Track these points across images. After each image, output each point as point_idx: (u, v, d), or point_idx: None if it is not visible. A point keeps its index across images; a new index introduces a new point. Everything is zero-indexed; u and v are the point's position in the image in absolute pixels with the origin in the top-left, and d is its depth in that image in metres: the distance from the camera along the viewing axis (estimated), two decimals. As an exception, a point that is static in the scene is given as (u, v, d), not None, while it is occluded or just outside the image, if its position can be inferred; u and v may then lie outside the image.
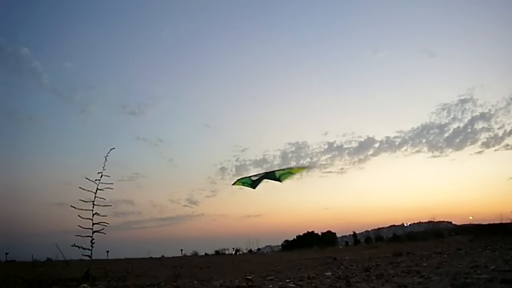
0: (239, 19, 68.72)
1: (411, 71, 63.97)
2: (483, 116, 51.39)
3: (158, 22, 65.49)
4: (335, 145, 58.31)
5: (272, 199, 62.16)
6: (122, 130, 65.50)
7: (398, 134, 58.79)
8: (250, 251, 39.36)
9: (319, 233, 44.34)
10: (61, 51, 65.79)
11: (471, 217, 35.70)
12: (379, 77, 67.43)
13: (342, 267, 6.68)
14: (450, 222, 45.40)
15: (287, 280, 4.84)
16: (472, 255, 7.18)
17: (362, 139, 57.82)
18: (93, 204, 6.31)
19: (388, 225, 58.05)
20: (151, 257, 30.27)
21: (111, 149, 6.72)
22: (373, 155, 57.72)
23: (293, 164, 59.57)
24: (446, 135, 53.46)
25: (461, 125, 52.84)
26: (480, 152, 51.15)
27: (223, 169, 59.67)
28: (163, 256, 33.53)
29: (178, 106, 66.46)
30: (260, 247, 46.62)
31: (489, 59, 62.00)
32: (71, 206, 6.22)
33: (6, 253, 27.65)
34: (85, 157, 49.13)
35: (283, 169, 10.14)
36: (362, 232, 52.33)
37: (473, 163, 53.62)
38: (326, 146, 60.64)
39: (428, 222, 38.07)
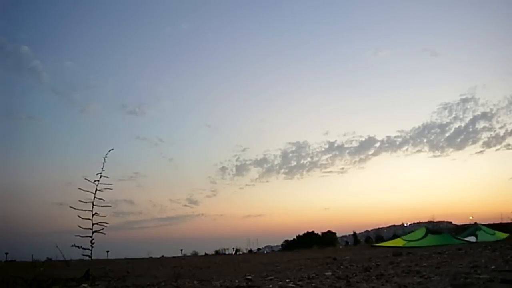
0: (240, 19, 68.93)
1: (413, 70, 64.27)
2: (485, 116, 51.56)
3: (159, 21, 65.82)
4: (335, 145, 58.51)
5: (272, 199, 62.40)
6: (122, 130, 65.80)
7: (399, 134, 58.99)
8: (250, 251, 39.38)
9: (319, 233, 44.40)
10: (61, 50, 66.13)
11: (471, 217, 35.75)
12: (380, 76, 67.77)
13: (342, 267, 6.67)
14: (450, 222, 45.48)
15: (287, 280, 4.83)
16: (472, 255, 7.18)
17: (363, 139, 57.99)
18: (93, 204, 6.31)
19: (388, 225, 58.16)
20: (151, 257, 30.36)
21: (110, 150, 6.71)
22: (374, 154, 57.87)
23: (294, 163, 59.61)
24: (447, 134, 53.65)
25: (463, 124, 53.05)
26: (481, 151, 51.35)
27: (223, 168, 59.88)
28: (163, 256, 33.63)
29: (178, 106, 66.74)
30: (260, 247, 46.78)
31: (491, 59, 62.33)
32: (71, 207, 6.22)
33: (6, 253, 27.81)
34: (85, 156, 49.41)
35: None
36: (362, 232, 52.48)
37: (474, 163, 53.86)
38: (326, 146, 60.86)
39: (428, 222, 38.21)
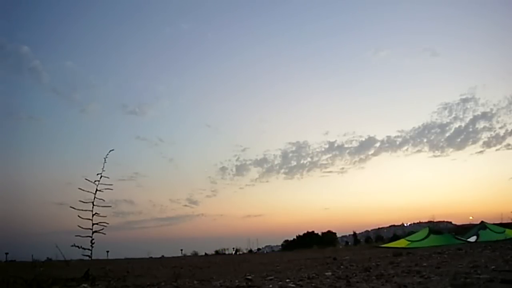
0: (240, 19, 68.94)
1: (413, 70, 64.24)
2: (485, 116, 51.52)
3: (159, 21, 65.74)
4: (335, 145, 58.43)
5: (272, 199, 62.40)
6: (122, 130, 65.78)
7: (399, 134, 58.91)
8: (250, 251, 39.37)
9: (319, 233, 44.37)
10: (61, 50, 66.06)
11: (471, 217, 35.77)
12: (381, 76, 67.83)
13: (342, 267, 6.67)
14: (450, 222, 45.47)
15: (287, 280, 4.83)
16: (472, 255, 7.18)
17: (363, 139, 57.92)
18: (93, 204, 6.32)
19: (388, 225, 58.12)
20: (151, 257, 30.35)
21: (110, 151, 6.74)
22: (374, 154, 57.81)
23: (294, 163, 59.61)
24: (447, 134, 53.60)
25: (463, 124, 52.99)
26: (481, 151, 51.29)
27: (223, 168, 59.82)
28: (163, 256, 33.63)
29: (178, 106, 66.72)
30: (260, 247, 46.75)
31: (491, 59, 62.34)
32: (71, 207, 6.23)
33: (6, 253, 27.77)
34: (85, 156, 49.47)
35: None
36: (362, 232, 52.41)
37: (474, 163, 53.83)
38: (326, 146, 60.75)
39: (428, 222, 38.22)
